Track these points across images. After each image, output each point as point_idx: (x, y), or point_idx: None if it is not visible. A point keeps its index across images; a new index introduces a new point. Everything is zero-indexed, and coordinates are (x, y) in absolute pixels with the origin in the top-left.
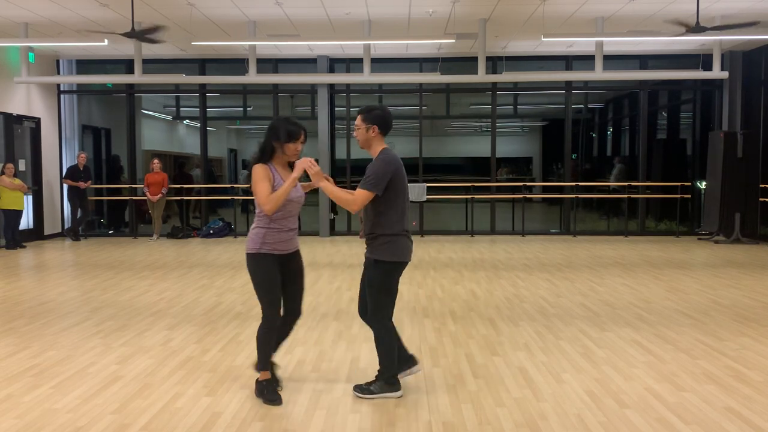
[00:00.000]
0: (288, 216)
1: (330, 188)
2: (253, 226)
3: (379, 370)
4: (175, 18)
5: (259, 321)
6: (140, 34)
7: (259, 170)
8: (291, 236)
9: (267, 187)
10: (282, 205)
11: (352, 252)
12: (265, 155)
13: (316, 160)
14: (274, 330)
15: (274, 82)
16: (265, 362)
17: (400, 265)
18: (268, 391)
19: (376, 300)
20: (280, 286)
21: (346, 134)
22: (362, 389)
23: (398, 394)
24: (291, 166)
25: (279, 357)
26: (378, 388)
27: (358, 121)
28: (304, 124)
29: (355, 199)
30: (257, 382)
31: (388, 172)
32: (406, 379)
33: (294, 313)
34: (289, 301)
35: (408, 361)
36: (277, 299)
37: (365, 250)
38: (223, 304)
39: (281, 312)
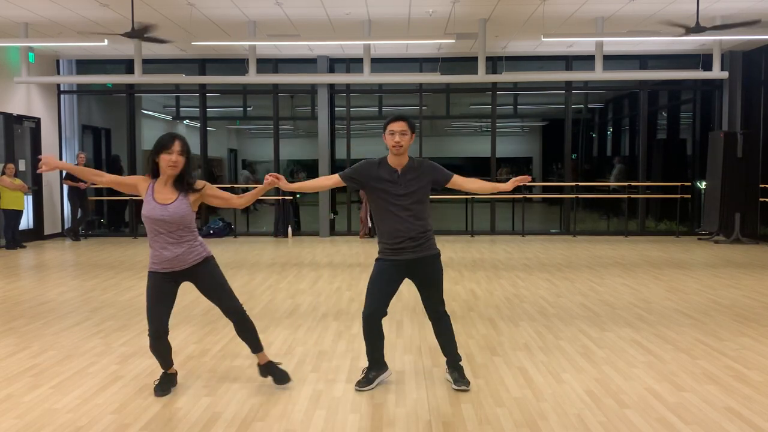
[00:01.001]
0: (156, 235)
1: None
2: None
3: (455, 358)
4: (175, 18)
5: (254, 321)
6: (140, 34)
7: (135, 177)
8: (174, 254)
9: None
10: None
11: (352, 252)
12: (152, 170)
13: (315, 161)
14: (157, 341)
15: (274, 82)
16: (165, 363)
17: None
18: (163, 383)
19: (442, 290)
20: (162, 302)
21: (346, 134)
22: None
23: (386, 373)
24: (180, 182)
25: (279, 357)
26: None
27: (405, 127)
28: (304, 124)
29: (460, 179)
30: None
31: None
32: (406, 379)
33: (231, 314)
34: (218, 306)
35: (383, 366)
36: (155, 314)
37: (414, 249)
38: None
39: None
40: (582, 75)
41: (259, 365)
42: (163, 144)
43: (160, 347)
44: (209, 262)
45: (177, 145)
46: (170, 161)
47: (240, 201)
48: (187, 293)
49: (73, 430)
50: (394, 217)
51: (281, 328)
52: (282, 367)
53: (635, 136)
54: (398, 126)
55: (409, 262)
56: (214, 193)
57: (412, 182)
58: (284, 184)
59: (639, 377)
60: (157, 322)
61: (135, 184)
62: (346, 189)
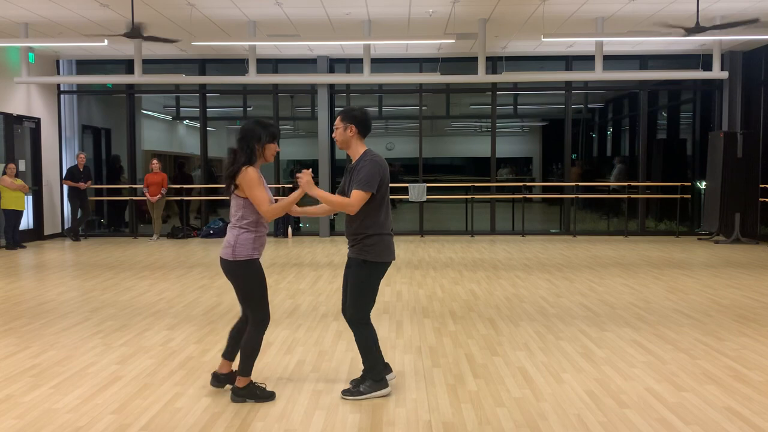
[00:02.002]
0: (266, 221)
1: (324, 195)
2: (237, 232)
3: (364, 369)
4: (175, 18)
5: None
6: (140, 34)
7: (254, 174)
8: (266, 240)
9: (266, 191)
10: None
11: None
12: (253, 158)
13: (315, 161)
14: (266, 329)
15: (274, 82)
16: (250, 368)
17: (386, 265)
18: (259, 389)
19: (359, 300)
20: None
21: None
22: (351, 392)
23: (386, 391)
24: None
25: (279, 357)
26: (367, 388)
27: (337, 121)
28: (304, 124)
29: (352, 201)
30: (241, 388)
31: (378, 172)
32: (406, 379)
33: (269, 317)
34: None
35: (384, 367)
36: (267, 302)
37: (349, 248)
38: (223, 304)
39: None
40: (582, 75)
41: (219, 374)
42: (275, 134)
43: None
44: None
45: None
46: (276, 150)
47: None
48: (188, 293)
49: (73, 430)
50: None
51: (281, 328)
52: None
53: (635, 136)
54: (335, 122)
55: (348, 260)
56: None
57: (353, 178)
58: (310, 185)
59: (639, 377)
60: (269, 315)
61: (258, 178)
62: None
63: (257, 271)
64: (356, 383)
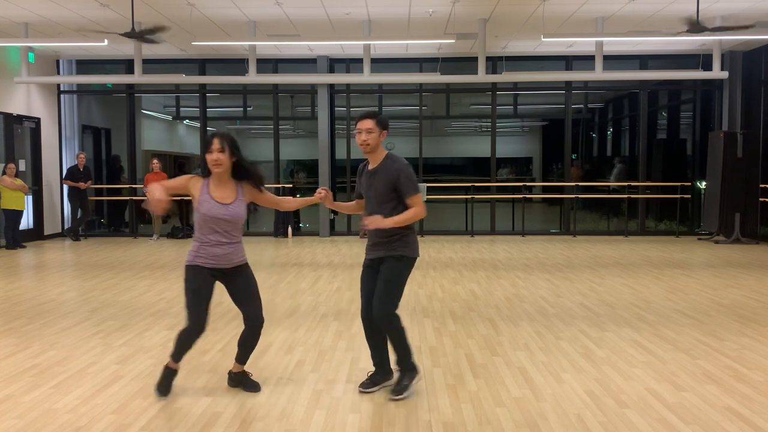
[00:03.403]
0: (211, 233)
1: (393, 220)
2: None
3: (399, 361)
4: (175, 18)
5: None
6: (140, 34)
7: (187, 176)
8: (225, 252)
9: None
10: (198, 219)
11: (353, 252)
12: (204, 169)
13: (315, 161)
14: (196, 336)
15: (274, 82)
16: (179, 356)
17: (415, 261)
18: (166, 380)
19: (393, 294)
20: (204, 297)
21: (346, 134)
22: (398, 391)
23: (420, 375)
24: (240, 178)
25: (279, 357)
26: (409, 380)
27: (372, 124)
28: (304, 124)
29: (419, 207)
30: (167, 367)
31: (413, 172)
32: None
33: (252, 321)
34: (244, 310)
35: (388, 373)
36: (200, 308)
37: (375, 249)
38: (223, 304)
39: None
40: (582, 75)
41: (232, 372)
42: (205, 144)
43: (194, 341)
44: (248, 267)
45: (216, 144)
46: (212, 160)
47: (289, 205)
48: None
49: (73, 430)
50: (368, 216)
51: (281, 328)
52: (254, 378)
53: (635, 136)
54: (364, 124)
55: (376, 261)
56: (268, 198)
57: (377, 182)
58: (329, 203)
59: (639, 377)
60: (203, 316)
61: (183, 185)
62: (346, 189)
63: (192, 277)
64: (396, 380)
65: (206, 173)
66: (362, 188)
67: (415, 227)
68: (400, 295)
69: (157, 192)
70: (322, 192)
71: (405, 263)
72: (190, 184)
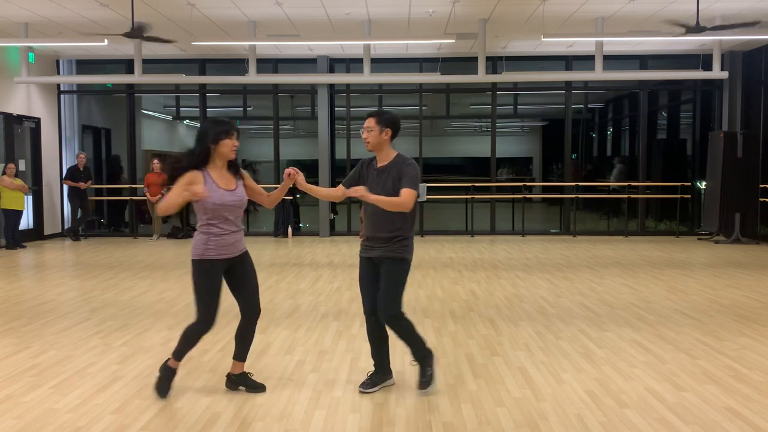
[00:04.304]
0: (223, 222)
1: (376, 197)
2: (196, 232)
3: (417, 355)
4: (175, 18)
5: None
6: (140, 34)
7: (184, 178)
8: (234, 240)
9: (176, 195)
10: (207, 206)
11: (353, 252)
12: (201, 160)
13: (315, 161)
14: (205, 332)
15: (274, 82)
16: (182, 354)
17: (411, 263)
18: (166, 380)
19: (398, 295)
20: (218, 293)
21: (346, 134)
22: (425, 383)
23: (435, 356)
24: (231, 166)
25: (279, 357)
26: (430, 368)
27: (372, 123)
28: (304, 124)
29: (406, 199)
30: (165, 365)
31: (419, 175)
32: (406, 379)
33: (250, 310)
34: (243, 299)
35: (388, 373)
36: (214, 305)
37: (374, 247)
38: (223, 305)
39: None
40: (582, 75)
41: (233, 375)
42: (226, 130)
43: (201, 338)
44: (248, 255)
45: (236, 130)
46: (234, 146)
47: (268, 199)
48: (188, 293)
49: (73, 430)
50: (368, 213)
51: (281, 328)
52: (255, 378)
53: (635, 136)
54: (366, 122)
55: (374, 260)
56: (251, 185)
57: (385, 179)
58: (301, 181)
59: (639, 377)
60: (215, 314)
61: (190, 181)
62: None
63: (205, 273)
64: (420, 372)
65: (201, 165)
66: (365, 182)
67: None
68: (402, 295)
69: (179, 199)
70: (291, 171)
71: (406, 266)
72: (195, 179)
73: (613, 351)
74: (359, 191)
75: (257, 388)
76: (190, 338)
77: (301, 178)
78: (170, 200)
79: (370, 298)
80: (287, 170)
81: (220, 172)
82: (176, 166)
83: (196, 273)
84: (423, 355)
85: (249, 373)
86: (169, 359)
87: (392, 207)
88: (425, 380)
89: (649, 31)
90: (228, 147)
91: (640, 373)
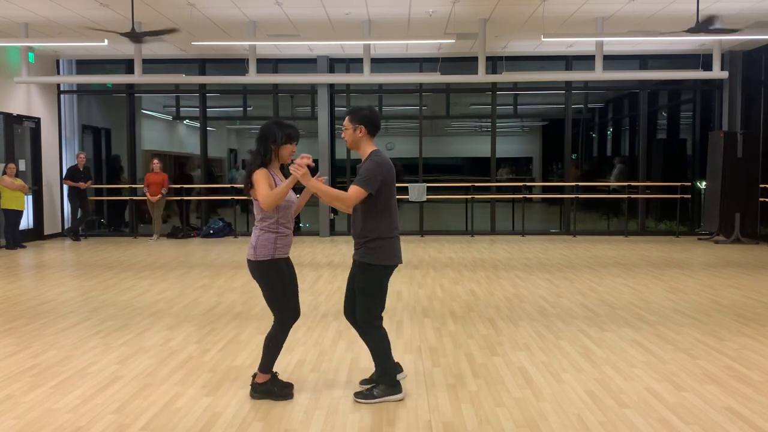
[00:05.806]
0: (288, 221)
1: (320, 186)
2: (258, 233)
3: (376, 374)
4: (175, 18)
5: (271, 322)
6: (140, 35)
7: (260, 175)
8: (292, 239)
9: (266, 188)
10: (281, 205)
11: (352, 252)
12: (265, 160)
13: (315, 161)
14: (291, 326)
15: (274, 82)
16: (270, 366)
17: (391, 268)
18: (278, 386)
19: (366, 303)
20: (295, 291)
21: None
22: (363, 395)
23: (400, 396)
24: (283, 169)
25: (279, 357)
26: (380, 392)
27: (346, 122)
28: (304, 124)
29: (348, 196)
30: (260, 384)
31: (380, 173)
32: (406, 379)
33: (297, 314)
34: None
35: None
36: (296, 303)
37: (353, 253)
38: (223, 304)
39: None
40: (582, 75)
41: (257, 384)
42: (293, 136)
43: (288, 333)
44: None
45: (298, 137)
46: (293, 151)
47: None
48: (188, 293)
49: (73, 430)
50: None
51: None
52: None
53: (635, 136)
54: (344, 122)
55: (354, 261)
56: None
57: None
58: (306, 176)
59: (639, 377)
60: (297, 306)
61: (267, 176)
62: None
63: (278, 272)
64: (369, 386)
65: (265, 164)
66: None
67: (397, 232)
68: (375, 304)
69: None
70: (305, 159)
71: (372, 271)
72: (267, 176)
73: (613, 351)
74: (302, 169)
75: (285, 396)
76: (278, 343)
77: (307, 175)
78: (282, 192)
79: (348, 300)
80: (297, 161)
81: (277, 173)
82: (253, 164)
83: (268, 275)
84: (385, 380)
85: (276, 372)
86: (255, 375)
87: (331, 200)
88: (368, 393)
89: (649, 31)
90: (288, 151)
91: (640, 373)
